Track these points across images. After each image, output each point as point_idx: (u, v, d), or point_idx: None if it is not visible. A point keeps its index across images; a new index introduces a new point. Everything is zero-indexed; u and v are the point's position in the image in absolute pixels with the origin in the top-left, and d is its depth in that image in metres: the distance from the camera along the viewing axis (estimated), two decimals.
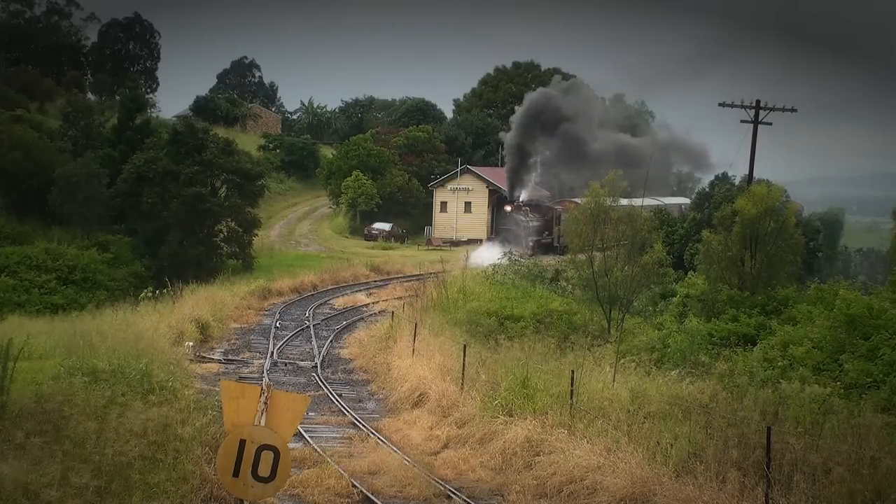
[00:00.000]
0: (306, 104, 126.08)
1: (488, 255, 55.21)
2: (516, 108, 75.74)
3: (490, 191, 77.24)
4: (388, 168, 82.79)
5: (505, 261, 47.15)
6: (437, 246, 71.64)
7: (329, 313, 38.87)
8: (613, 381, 18.30)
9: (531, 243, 65.11)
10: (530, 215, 69.43)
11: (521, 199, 70.21)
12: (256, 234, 56.36)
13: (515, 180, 70.54)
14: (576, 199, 77.22)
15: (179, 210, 50.10)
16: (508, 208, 68.71)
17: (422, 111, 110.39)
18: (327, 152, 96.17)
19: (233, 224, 53.66)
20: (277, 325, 34.52)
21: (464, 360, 20.42)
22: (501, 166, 76.67)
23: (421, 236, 78.26)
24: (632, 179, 35.21)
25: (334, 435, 18.56)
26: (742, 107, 41.77)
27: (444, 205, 79.42)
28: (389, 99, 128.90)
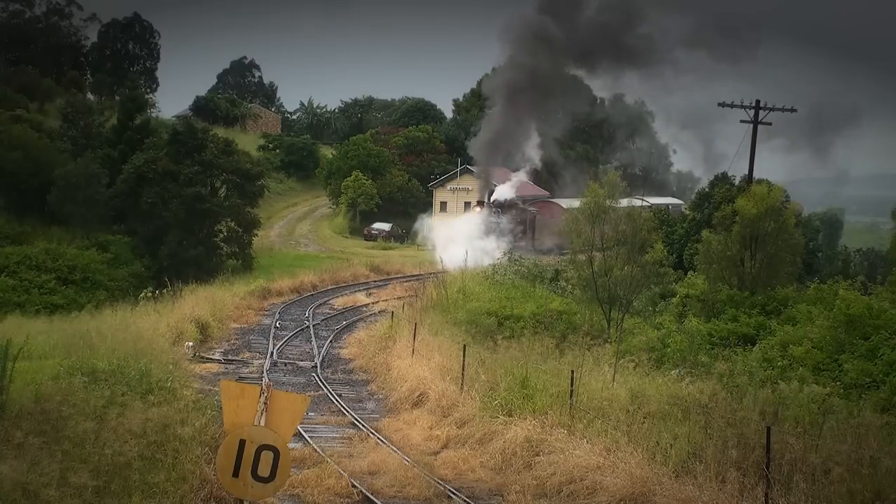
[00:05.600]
0: (306, 104, 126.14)
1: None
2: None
3: (490, 191, 77.05)
4: (387, 168, 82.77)
5: (505, 260, 47.16)
6: None
7: (329, 313, 38.86)
8: (613, 381, 18.31)
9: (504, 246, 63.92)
10: (502, 217, 67.67)
11: (493, 200, 68.90)
12: (256, 235, 56.32)
13: (491, 173, 68.35)
14: (554, 200, 76.81)
15: (179, 210, 50.06)
16: (478, 209, 67.24)
17: (422, 111, 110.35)
18: (327, 152, 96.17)
19: (232, 224, 53.62)
20: (277, 325, 34.51)
21: (463, 360, 20.42)
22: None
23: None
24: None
25: (334, 435, 18.56)
26: (742, 107, 41.75)
27: (443, 205, 79.35)
28: (389, 99, 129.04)
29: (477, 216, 65.27)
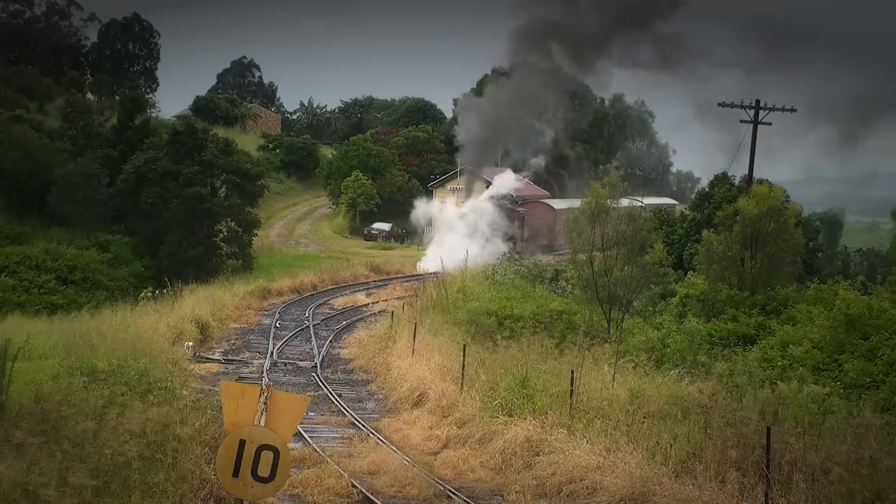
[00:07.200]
0: (306, 104, 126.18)
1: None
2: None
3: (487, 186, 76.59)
4: (387, 168, 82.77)
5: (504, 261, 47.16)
6: None
7: (329, 313, 38.86)
8: (613, 381, 18.29)
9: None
10: (496, 214, 67.25)
11: (490, 196, 68.44)
12: (256, 235, 56.31)
13: (480, 171, 67.98)
14: (544, 201, 76.53)
15: (179, 210, 50.06)
16: (465, 210, 66.92)
17: (422, 111, 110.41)
18: (327, 152, 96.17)
19: (232, 224, 53.60)
20: (277, 325, 34.51)
21: (463, 360, 20.41)
22: (498, 165, 75.71)
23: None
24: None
25: (334, 435, 18.56)
26: (742, 107, 41.65)
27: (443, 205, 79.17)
28: (389, 99, 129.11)
29: (475, 206, 65.03)
